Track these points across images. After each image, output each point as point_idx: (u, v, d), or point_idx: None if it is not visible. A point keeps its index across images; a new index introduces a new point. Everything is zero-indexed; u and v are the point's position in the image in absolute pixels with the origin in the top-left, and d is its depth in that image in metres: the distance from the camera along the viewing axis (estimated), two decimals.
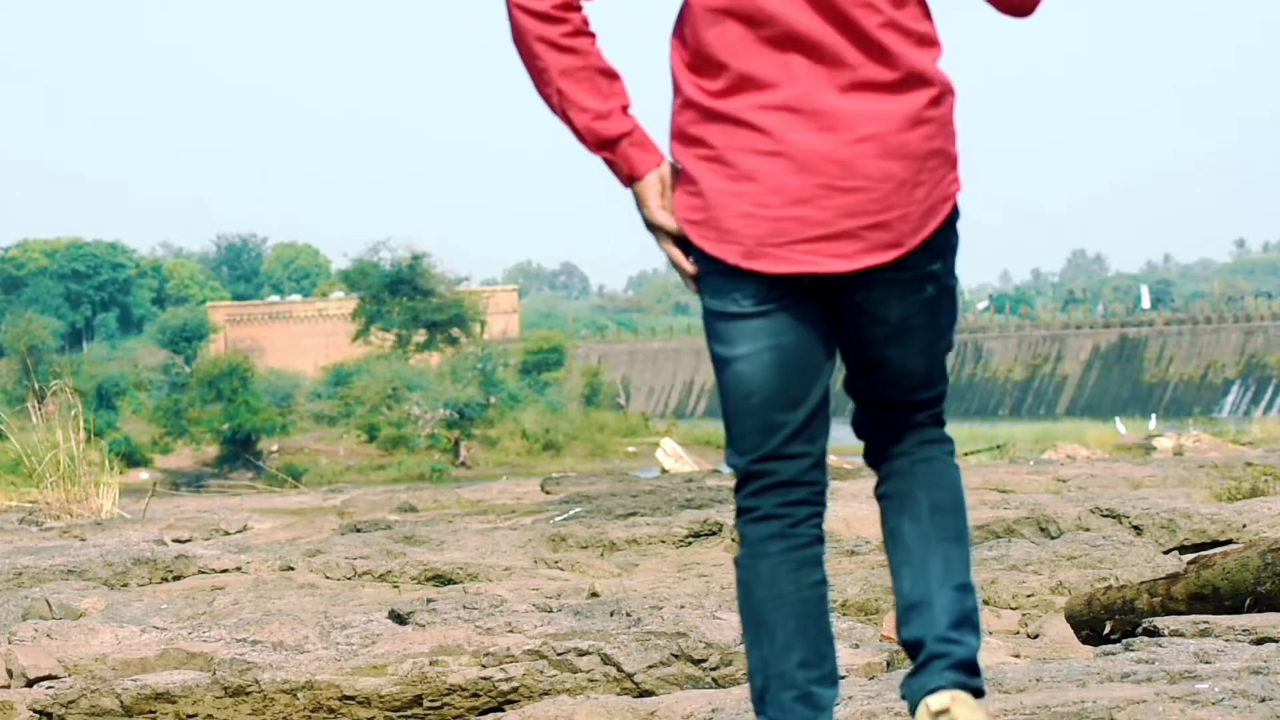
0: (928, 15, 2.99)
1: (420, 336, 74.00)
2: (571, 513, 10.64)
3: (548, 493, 13.49)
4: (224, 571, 8.49)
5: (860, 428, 3.21)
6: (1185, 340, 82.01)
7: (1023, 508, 9.43)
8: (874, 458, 3.19)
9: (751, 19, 2.93)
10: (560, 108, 2.98)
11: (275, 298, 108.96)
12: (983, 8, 3.00)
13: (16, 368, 60.71)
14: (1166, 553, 8.15)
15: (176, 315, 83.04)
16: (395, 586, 7.96)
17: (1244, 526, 8.46)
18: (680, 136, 2.99)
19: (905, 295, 2.99)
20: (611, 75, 2.99)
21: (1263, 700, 4.62)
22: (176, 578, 8.46)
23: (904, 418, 3.14)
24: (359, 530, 10.28)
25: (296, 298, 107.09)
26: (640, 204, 3.01)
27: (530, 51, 2.96)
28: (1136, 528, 8.59)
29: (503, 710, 5.52)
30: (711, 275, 2.98)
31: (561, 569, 8.47)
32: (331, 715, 5.51)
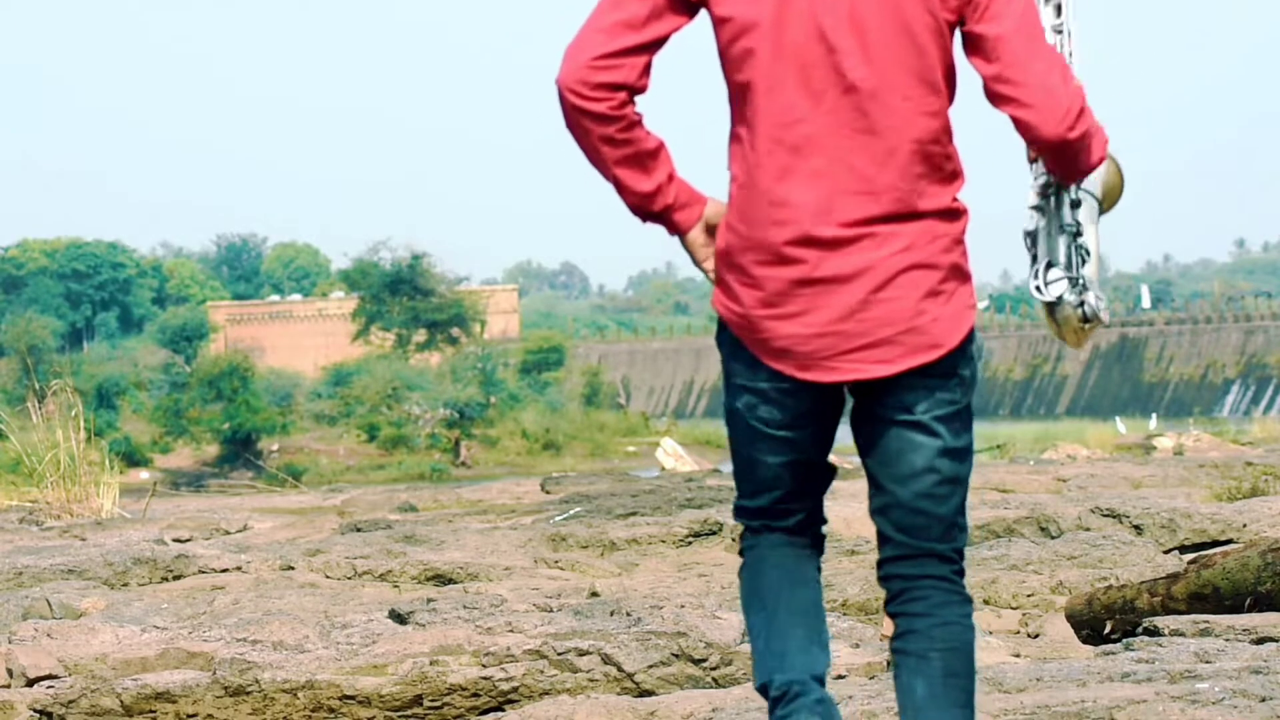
0: (955, 151, 3.21)
1: (420, 336, 73.96)
2: (571, 512, 10.64)
3: (548, 492, 13.49)
4: (224, 571, 8.49)
5: (883, 574, 3.33)
6: (1185, 340, 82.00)
7: (1023, 508, 9.43)
8: (895, 608, 3.31)
9: (798, 149, 3.14)
10: (615, 187, 3.23)
11: (275, 298, 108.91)
12: None
13: (16, 368, 60.64)
14: (1166, 552, 8.15)
15: (176, 315, 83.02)
16: (395, 586, 7.95)
17: (1244, 526, 8.46)
18: (726, 258, 3.22)
19: (934, 394, 3.20)
20: (655, 153, 3.20)
21: (1263, 700, 4.62)
22: (176, 577, 8.46)
23: (927, 562, 3.27)
24: (359, 530, 10.28)
25: (296, 298, 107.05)
26: (688, 251, 3.28)
27: (589, 144, 3.19)
28: (1137, 527, 8.59)
29: (503, 710, 5.52)
30: (744, 390, 3.25)
31: (561, 569, 8.47)
32: (331, 715, 5.51)
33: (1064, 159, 3.19)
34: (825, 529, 3.42)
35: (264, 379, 66.14)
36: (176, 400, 62.18)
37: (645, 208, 3.23)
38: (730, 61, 3.17)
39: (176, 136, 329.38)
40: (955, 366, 3.21)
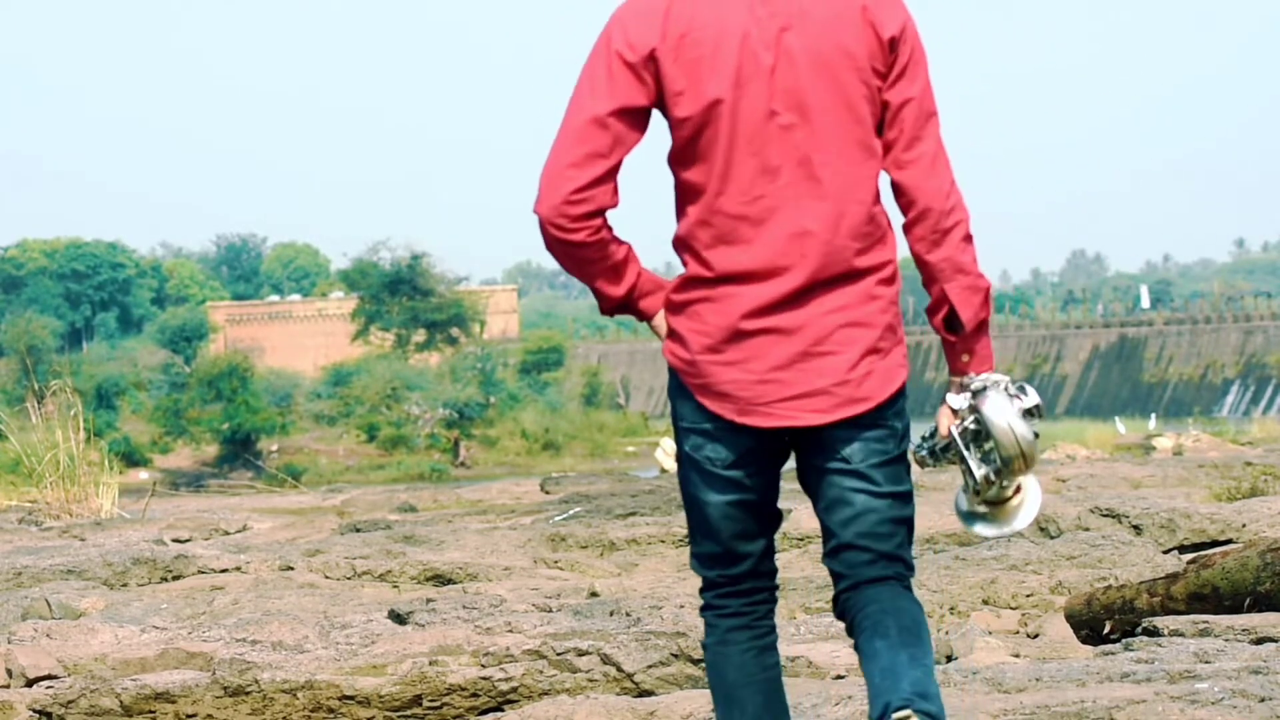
0: (885, 210, 3.44)
1: (420, 336, 73.93)
2: (571, 513, 10.64)
3: (547, 492, 13.49)
4: (224, 571, 8.49)
5: (840, 604, 3.52)
6: (1185, 340, 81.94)
7: None
8: (850, 614, 3.50)
9: (760, 221, 3.38)
10: (593, 292, 3.52)
11: (275, 298, 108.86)
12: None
13: (16, 368, 60.59)
14: (1166, 552, 8.15)
15: (176, 315, 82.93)
16: (395, 586, 7.96)
17: (1244, 526, 8.46)
18: (679, 309, 3.46)
19: (868, 444, 3.42)
20: (626, 259, 3.48)
21: (1262, 700, 4.62)
22: (176, 578, 8.46)
23: (877, 575, 3.46)
24: (359, 530, 10.28)
25: (296, 298, 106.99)
26: (654, 330, 3.55)
27: (569, 264, 3.47)
28: (1136, 527, 8.58)
29: (502, 710, 5.52)
30: (692, 432, 3.49)
31: (561, 569, 8.48)
32: (331, 715, 5.51)
33: (938, 233, 3.39)
34: (778, 579, 3.60)
35: (263, 379, 66.07)
36: (176, 400, 62.14)
37: (618, 306, 3.52)
38: (688, 152, 3.39)
39: (176, 136, 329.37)
40: (885, 419, 3.43)
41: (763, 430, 3.42)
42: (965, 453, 3.42)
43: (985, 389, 3.40)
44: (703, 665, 5.61)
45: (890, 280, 3.43)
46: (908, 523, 3.47)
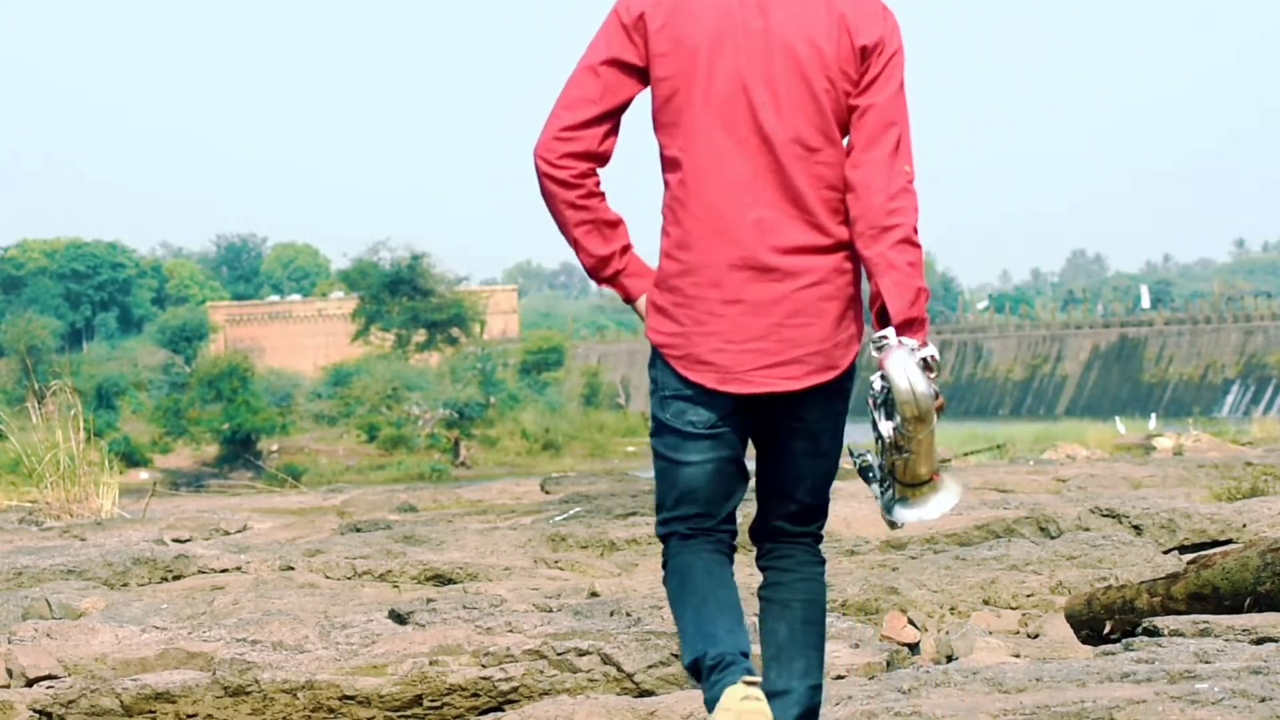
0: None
1: (420, 336, 73.91)
2: (571, 513, 10.64)
3: (547, 492, 13.50)
4: (224, 571, 8.49)
5: (756, 536, 3.90)
6: (1185, 340, 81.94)
7: (1023, 508, 9.43)
8: (764, 562, 3.89)
9: (730, 187, 3.67)
10: (574, 248, 3.80)
11: (275, 298, 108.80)
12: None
13: (16, 368, 60.57)
14: (1166, 553, 8.15)
15: (176, 315, 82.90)
16: (395, 586, 7.96)
17: (1244, 526, 8.46)
18: (662, 284, 3.75)
19: (822, 404, 3.76)
20: (614, 224, 3.78)
21: (1263, 700, 4.62)
22: (176, 577, 8.46)
23: (795, 531, 3.86)
24: (359, 530, 10.28)
25: (296, 298, 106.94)
26: (638, 313, 3.83)
27: (554, 207, 3.78)
28: (1136, 528, 8.59)
29: (503, 710, 5.52)
30: (675, 399, 3.73)
31: (561, 569, 8.48)
32: (331, 715, 5.52)
33: (875, 229, 3.64)
34: (736, 541, 3.84)
35: (264, 379, 66.06)
36: (176, 400, 62.13)
37: (599, 270, 3.79)
38: (666, 114, 3.70)
39: (176, 136, 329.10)
40: (843, 383, 3.77)
41: (742, 395, 3.70)
42: (875, 415, 3.63)
43: (887, 344, 3.60)
44: None
45: (854, 257, 3.72)
46: (833, 475, 3.87)
